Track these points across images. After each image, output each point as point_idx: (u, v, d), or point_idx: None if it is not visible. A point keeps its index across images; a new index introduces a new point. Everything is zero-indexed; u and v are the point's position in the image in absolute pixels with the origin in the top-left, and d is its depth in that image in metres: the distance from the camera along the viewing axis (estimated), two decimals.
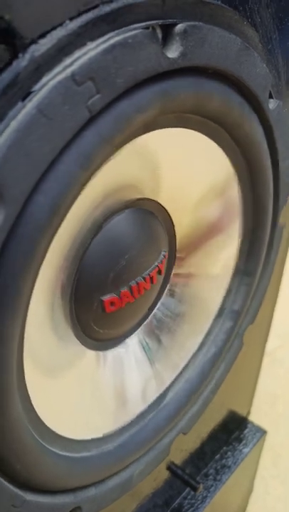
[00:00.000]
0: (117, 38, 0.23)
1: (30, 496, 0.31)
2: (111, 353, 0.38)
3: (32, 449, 0.30)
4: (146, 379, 0.41)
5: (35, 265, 0.25)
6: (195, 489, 0.54)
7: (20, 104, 0.21)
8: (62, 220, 0.24)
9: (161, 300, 0.42)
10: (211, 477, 0.60)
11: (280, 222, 0.44)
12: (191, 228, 0.40)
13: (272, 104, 0.35)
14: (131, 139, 0.28)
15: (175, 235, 0.40)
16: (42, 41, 0.21)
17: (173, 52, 0.26)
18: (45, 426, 0.31)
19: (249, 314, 0.47)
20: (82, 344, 0.35)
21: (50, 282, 0.30)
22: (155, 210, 0.37)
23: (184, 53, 0.27)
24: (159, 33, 0.26)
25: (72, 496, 0.34)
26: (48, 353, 0.32)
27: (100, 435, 0.36)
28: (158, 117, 0.28)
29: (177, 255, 0.41)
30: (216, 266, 0.43)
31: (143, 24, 0.25)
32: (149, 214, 0.36)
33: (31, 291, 0.26)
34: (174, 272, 0.42)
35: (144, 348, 0.41)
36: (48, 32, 0.22)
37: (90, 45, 0.23)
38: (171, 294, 0.43)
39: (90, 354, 0.36)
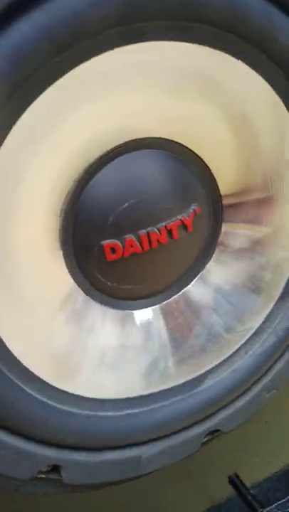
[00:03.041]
0: None
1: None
2: (120, 314, 0.35)
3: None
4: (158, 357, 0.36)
5: None
6: None
7: None
8: None
9: (202, 272, 0.37)
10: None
11: None
12: (239, 175, 0.34)
13: None
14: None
15: (218, 188, 0.34)
16: None
17: None
18: (22, 365, 0.30)
19: None
20: (87, 294, 0.33)
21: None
22: (184, 157, 0.33)
23: None
24: None
25: (53, 451, 0.32)
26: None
27: (96, 396, 0.33)
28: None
29: (225, 221, 0.36)
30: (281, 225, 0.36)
31: None
32: (171, 158, 0.32)
33: None
34: (223, 231, 0.36)
35: (167, 326, 0.36)
36: None
37: None
38: (217, 263, 0.37)
39: (98, 307, 0.33)
